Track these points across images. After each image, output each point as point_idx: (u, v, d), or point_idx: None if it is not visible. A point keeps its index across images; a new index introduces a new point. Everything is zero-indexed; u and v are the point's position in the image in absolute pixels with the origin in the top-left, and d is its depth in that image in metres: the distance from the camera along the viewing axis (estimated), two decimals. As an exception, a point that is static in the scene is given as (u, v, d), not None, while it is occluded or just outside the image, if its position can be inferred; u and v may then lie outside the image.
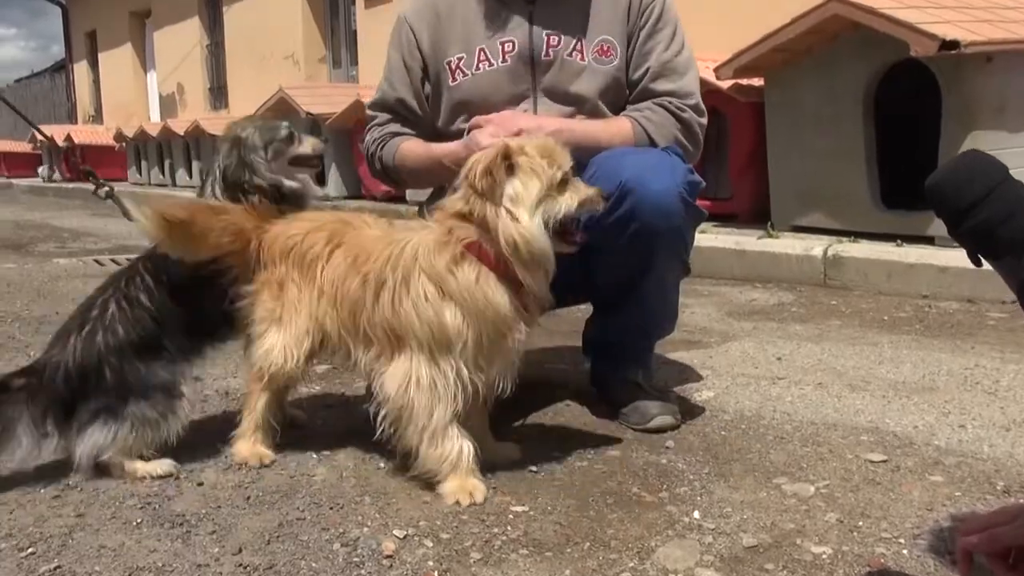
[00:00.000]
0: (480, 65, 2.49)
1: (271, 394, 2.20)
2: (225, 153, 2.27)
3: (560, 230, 1.93)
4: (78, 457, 2.06)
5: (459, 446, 1.98)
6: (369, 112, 2.67)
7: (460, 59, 2.51)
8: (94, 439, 2.05)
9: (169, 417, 2.09)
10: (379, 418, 1.99)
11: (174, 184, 13.34)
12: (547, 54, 2.45)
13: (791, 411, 2.57)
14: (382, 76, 2.63)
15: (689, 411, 2.56)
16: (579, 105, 2.44)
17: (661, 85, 2.45)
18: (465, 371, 1.94)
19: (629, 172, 2.22)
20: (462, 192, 1.94)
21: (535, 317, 2.01)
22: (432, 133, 2.59)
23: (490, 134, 2.24)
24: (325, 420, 2.60)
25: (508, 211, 1.88)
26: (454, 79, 2.51)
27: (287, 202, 2.28)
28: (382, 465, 2.17)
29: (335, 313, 2.07)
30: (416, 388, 1.94)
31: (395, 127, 2.61)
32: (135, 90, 18.94)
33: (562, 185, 1.92)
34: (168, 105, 17.51)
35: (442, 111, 2.55)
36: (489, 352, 1.95)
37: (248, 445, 2.20)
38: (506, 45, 2.48)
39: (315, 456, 2.26)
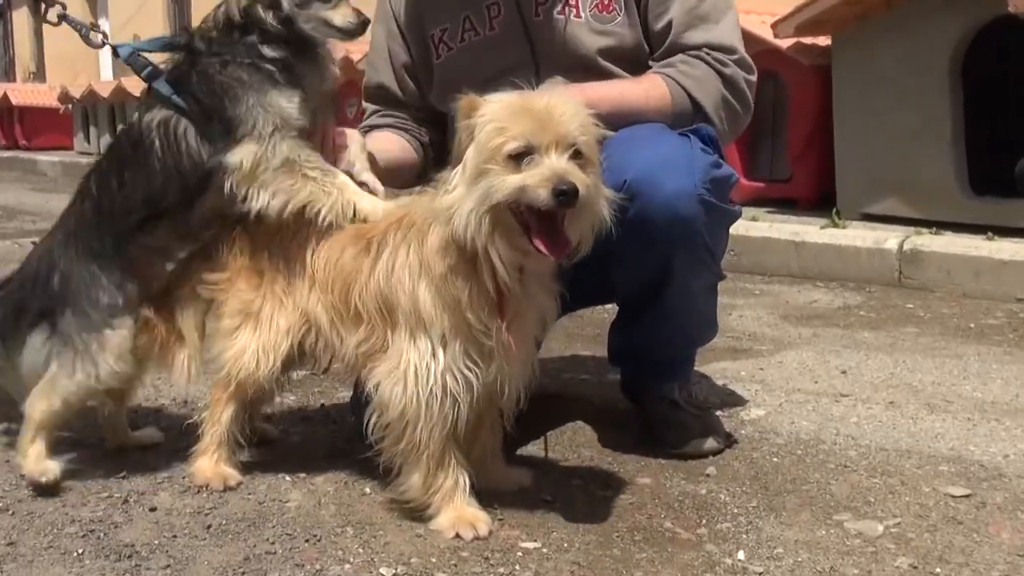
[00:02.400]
0: (466, 36, 2.48)
1: (239, 405, 2.21)
2: None
3: (511, 220, 1.82)
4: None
5: (455, 477, 1.98)
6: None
7: (444, 31, 2.50)
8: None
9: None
10: (371, 425, 1.99)
11: (128, 154, 13.39)
12: (537, 14, 2.42)
13: (857, 435, 2.56)
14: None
15: (735, 433, 2.55)
16: (586, 70, 2.41)
17: (693, 37, 2.39)
18: (455, 362, 1.92)
19: (636, 169, 2.16)
20: None
21: (521, 318, 1.96)
22: (433, 113, 2.60)
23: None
24: (302, 436, 2.60)
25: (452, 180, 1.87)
26: (438, 55, 2.52)
27: (297, 57, 2.15)
28: (368, 491, 2.18)
29: (327, 297, 2.08)
30: (409, 378, 1.93)
31: (374, 120, 2.65)
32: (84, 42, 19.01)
33: (514, 161, 1.79)
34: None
35: (434, 91, 2.56)
36: (477, 347, 1.93)
37: (210, 464, 2.21)
38: (491, 9, 2.45)
39: (288, 478, 2.26)
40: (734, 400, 2.86)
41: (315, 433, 2.63)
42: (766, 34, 5.41)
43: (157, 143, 2.14)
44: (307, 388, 2.99)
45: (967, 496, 2.15)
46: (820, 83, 5.43)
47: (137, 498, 2.15)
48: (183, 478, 2.23)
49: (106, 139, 14.01)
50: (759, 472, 2.31)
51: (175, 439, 2.48)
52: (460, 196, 1.84)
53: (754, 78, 2.44)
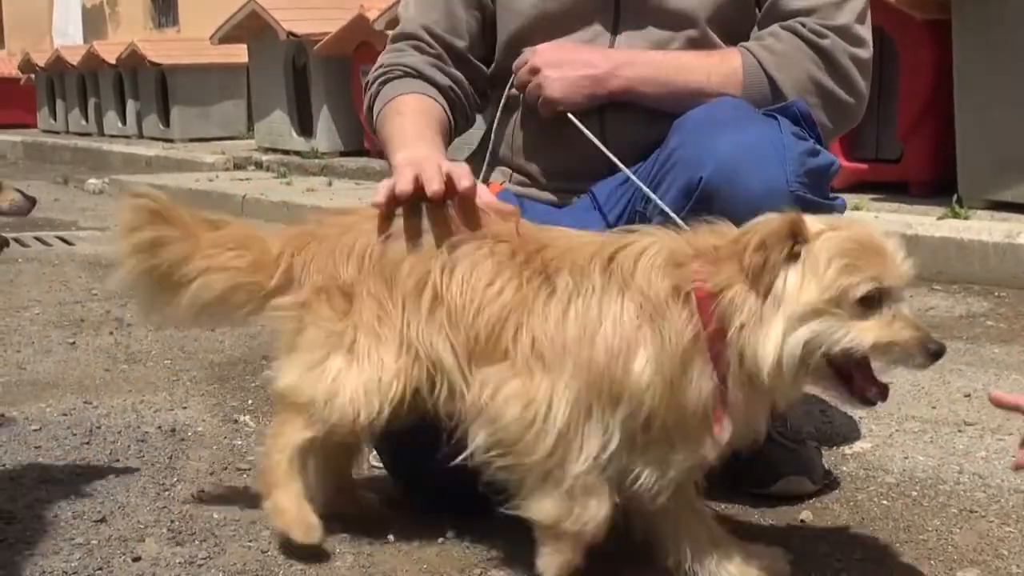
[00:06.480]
0: None
1: (321, 450, 2.16)
2: None
3: (838, 370, 1.86)
4: None
5: (602, 512, 1.92)
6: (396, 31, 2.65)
7: None
8: None
9: None
10: (479, 438, 1.92)
11: (101, 132, 13.57)
12: None
13: (985, 472, 2.54)
14: None
15: (834, 470, 2.55)
16: (681, 30, 2.40)
17: (794, 1, 2.37)
18: (625, 449, 1.89)
19: (715, 162, 2.14)
20: (726, 244, 1.88)
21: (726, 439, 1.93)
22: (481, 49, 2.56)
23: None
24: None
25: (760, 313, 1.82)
26: None
27: None
28: (391, 537, 2.19)
29: (458, 331, 1.99)
30: (548, 418, 1.88)
31: (413, 58, 2.59)
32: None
33: (862, 305, 1.80)
34: (94, 21, 17.81)
35: (498, 22, 2.51)
36: (669, 440, 1.90)
37: (291, 505, 2.11)
38: None
39: (297, 523, 2.28)
40: (834, 430, 2.85)
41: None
42: (870, -17, 5.39)
43: None
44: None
45: (1123, 549, 2.13)
46: (937, 41, 5.39)
47: (118, 546, 2.17)
48: (172, 522, 2.26)
49: (76, 115, 14.21)
50: (865, 518, 2.30)
51: (160, 474, 2.51)
52: (779, 337, 1.80)
53: (865, 55, 2.37)
